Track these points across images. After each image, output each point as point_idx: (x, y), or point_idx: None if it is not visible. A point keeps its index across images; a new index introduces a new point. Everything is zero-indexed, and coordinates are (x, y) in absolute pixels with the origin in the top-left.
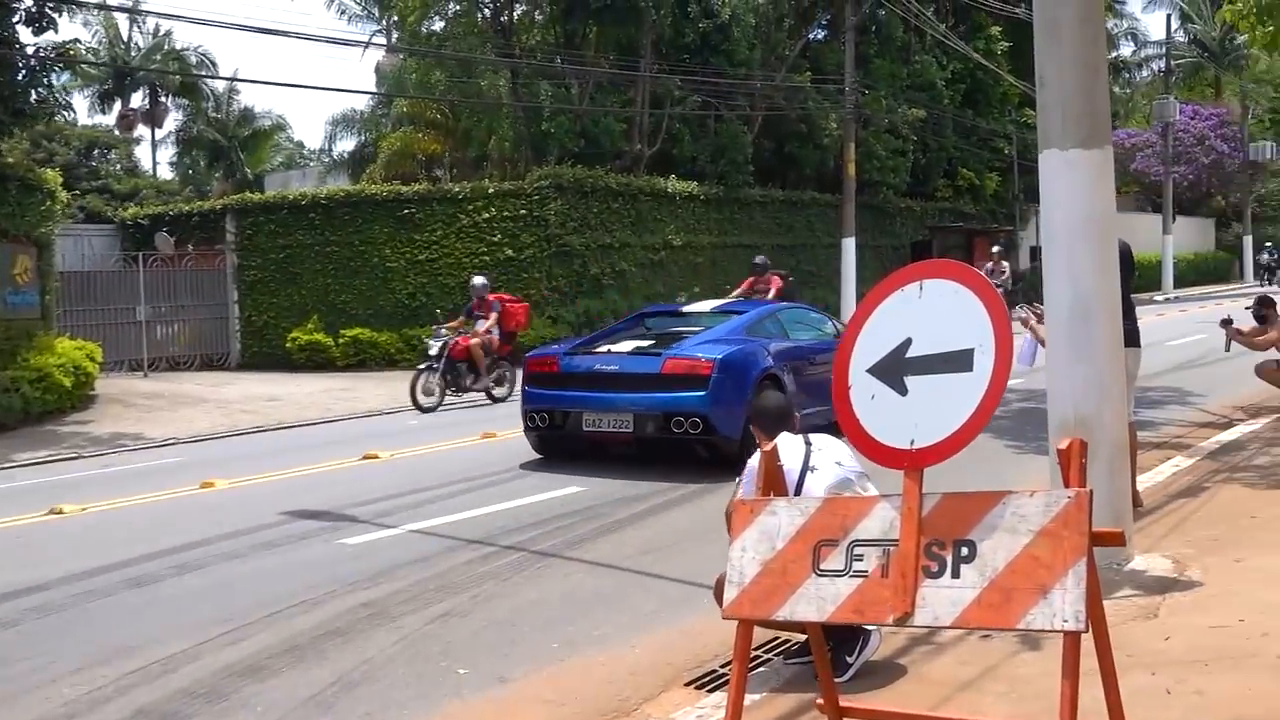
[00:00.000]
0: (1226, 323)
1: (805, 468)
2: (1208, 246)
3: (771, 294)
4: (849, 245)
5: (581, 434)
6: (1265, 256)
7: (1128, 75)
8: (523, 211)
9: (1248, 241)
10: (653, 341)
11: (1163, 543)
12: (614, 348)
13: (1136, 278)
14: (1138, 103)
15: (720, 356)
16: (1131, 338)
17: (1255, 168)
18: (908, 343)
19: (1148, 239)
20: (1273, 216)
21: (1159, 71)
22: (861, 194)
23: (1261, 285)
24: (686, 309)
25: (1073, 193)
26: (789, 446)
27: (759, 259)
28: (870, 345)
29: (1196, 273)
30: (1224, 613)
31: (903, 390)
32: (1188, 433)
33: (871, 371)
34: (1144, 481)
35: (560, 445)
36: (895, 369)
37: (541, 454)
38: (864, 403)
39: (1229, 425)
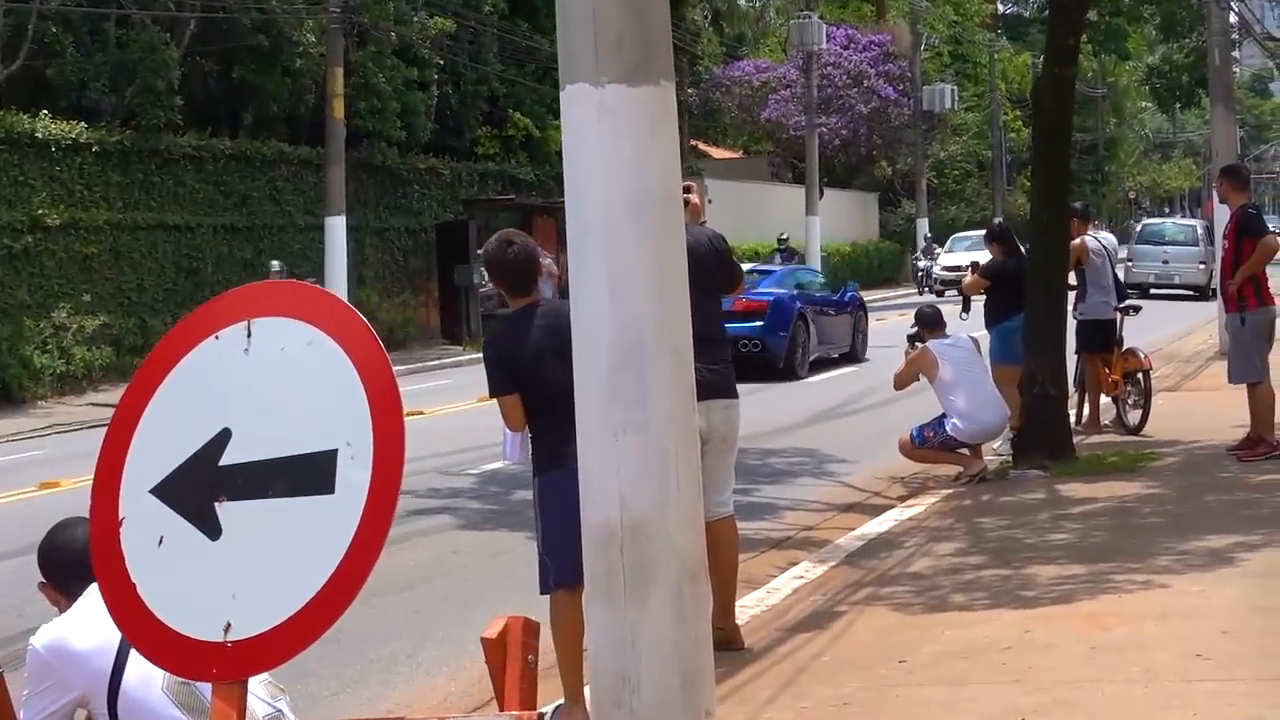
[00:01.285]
0: (915, 338)
1: (129, 646)
2: (870, 233)
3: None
4: (337, 228)
5: None
6: (922, 260)
7: None
8: None
9: (922, 226)
10: None
11: (768, 711)
12: None
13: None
14: (771, 22)
15: (772, 298)
16: (719, 385)
17: (931, 121)
18: (224, 438)
19: (787, 220)
20: (954, 191)
21: None
22: (358, 148)
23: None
24: None
25: (613, 155)
26: (100, 613)
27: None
28: (158, 442)
29: (854, 271)
30: None
31: (214, 530)
32: (822, 522)
33: (159, 493)
34: (751, 605)
35: None
36: (202, 488)
37: None
38: (143, 553)
39: (881, 509)
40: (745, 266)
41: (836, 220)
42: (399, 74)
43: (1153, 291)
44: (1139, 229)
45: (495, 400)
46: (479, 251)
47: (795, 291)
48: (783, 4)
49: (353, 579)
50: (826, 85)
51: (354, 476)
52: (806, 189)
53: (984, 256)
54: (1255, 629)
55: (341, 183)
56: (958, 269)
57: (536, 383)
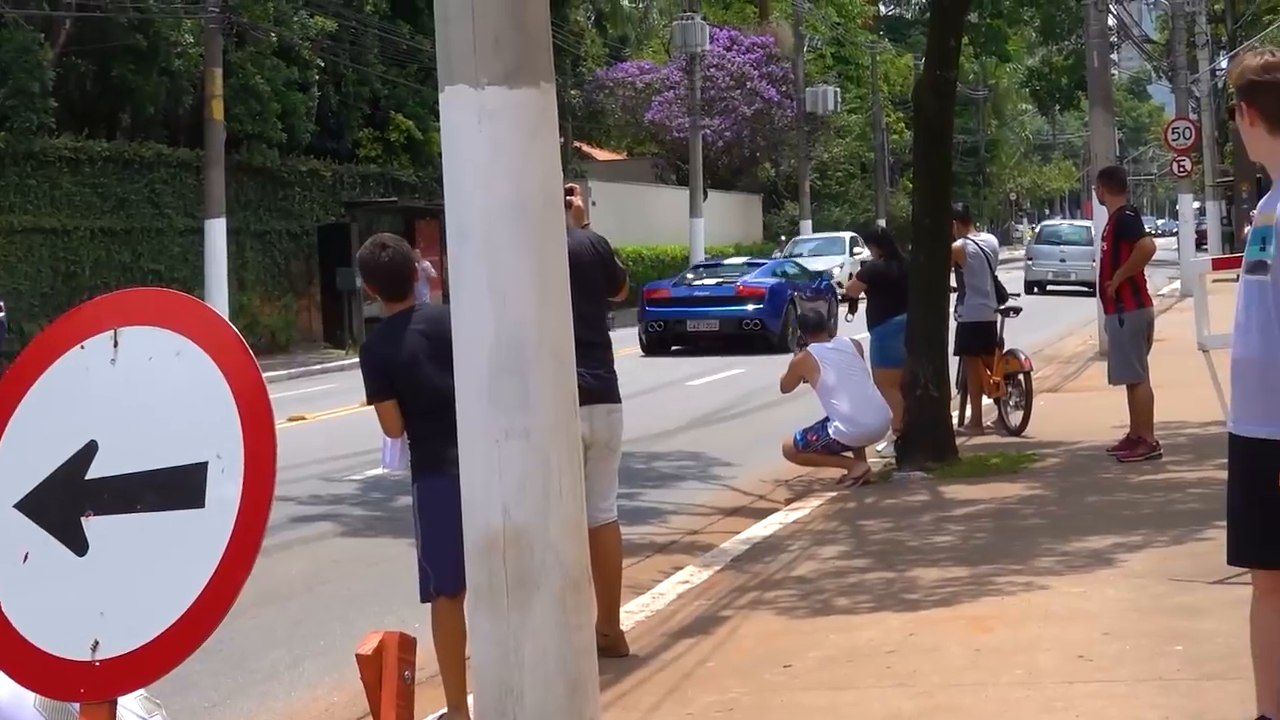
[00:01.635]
0: (798, 343)
1: None
2: (754, 235)
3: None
4: (217, 231)
5: (685, 333)
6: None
7: None
8: None
9: (806, 227)
10: (721, 279)
11: (652, 718)
12: (701, 281)
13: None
14: (654, 24)
15: (770, 285)
16: (602, 390)
17: (814, 123)
18: (91, 451)
19: (671, 222)
20: (838, 193)
21: None
22: (237, 150)
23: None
24: (727, 261)
25: (493, 159)
26: None
27: None
28: (22, 455)
29: None
30: None
31: (81, 546)
32: (707, 525)
33: (24, 508)
34: (636, 611)
35: (667, 342)
36: (68, 502)
37: (649, 353)
38: (7, 569)
39: (765, 512)
40: (738, 261)
41: (721, 222)
42: (279, 75)
43: (1050, 287)
44: (1038, 230)
45: (373, 406)
46: None
47: (784, 280)
48: (666, 5)
49: (224, 595)
50: (710, 87)
51: (224, 490)
52: (690, 191)
53: (827, 262)
54: (1135, 630)
55: (221, 185)
56: None
57: (413, 388)
